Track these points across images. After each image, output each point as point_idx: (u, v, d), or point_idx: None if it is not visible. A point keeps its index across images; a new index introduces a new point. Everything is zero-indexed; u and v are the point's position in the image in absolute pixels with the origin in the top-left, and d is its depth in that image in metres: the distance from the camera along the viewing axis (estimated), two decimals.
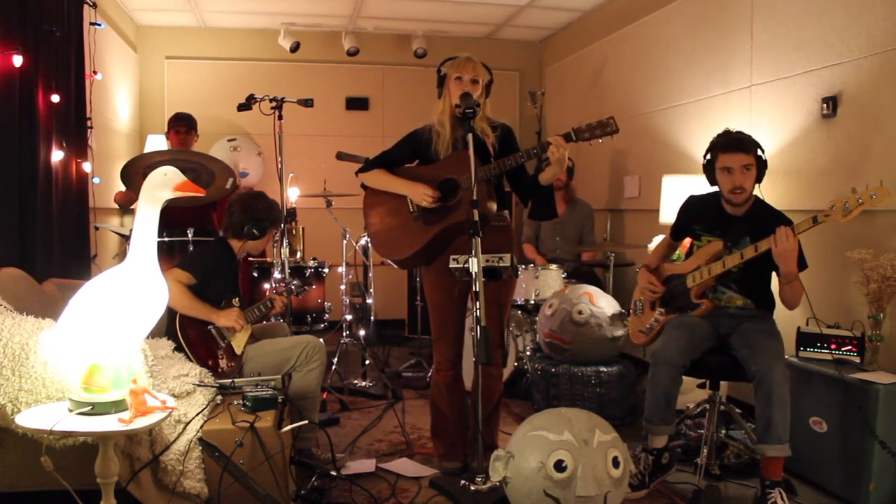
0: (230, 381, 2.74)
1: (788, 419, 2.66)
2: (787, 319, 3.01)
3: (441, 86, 3.05)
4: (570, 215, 5.11)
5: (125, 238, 4.63)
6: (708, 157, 2.99)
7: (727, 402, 3.16)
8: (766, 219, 2.81)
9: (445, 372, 3.13)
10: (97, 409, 1.81)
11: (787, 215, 2.91)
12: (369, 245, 4.77)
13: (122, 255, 4.95)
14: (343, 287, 4.84)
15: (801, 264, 2.79)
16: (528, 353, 4.31)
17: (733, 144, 2.89)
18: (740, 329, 2.90)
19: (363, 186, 3.19)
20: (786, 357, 2.81)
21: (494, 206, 3.00)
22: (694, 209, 3.13)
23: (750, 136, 2.93)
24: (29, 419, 1.80)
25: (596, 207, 5.32)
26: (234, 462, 2.34)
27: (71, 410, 1.83)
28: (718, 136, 2.98)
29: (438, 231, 2.98)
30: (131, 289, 1.90)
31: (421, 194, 2.96)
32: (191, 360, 2.84)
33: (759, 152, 2.89)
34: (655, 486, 2.96)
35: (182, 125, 4.65)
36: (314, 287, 4.45)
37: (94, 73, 4.49)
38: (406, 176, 3.07)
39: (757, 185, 2.90)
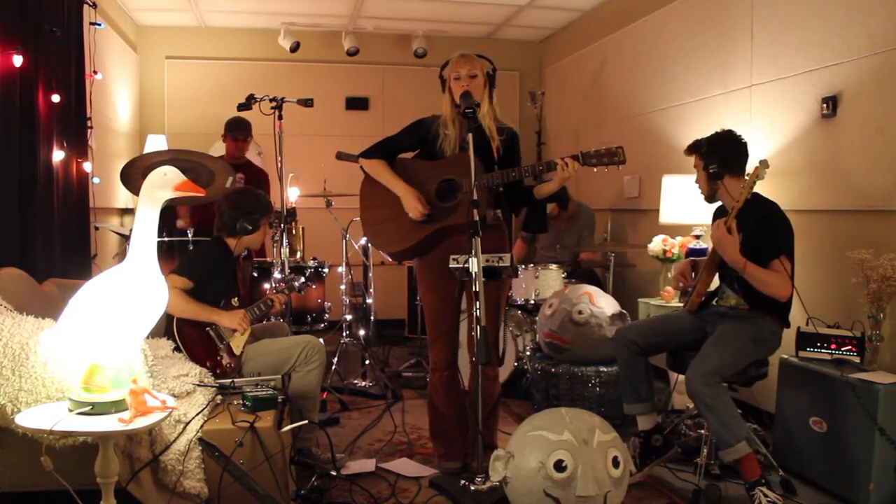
0: (230, 381, 2.74)
1: (728, 419, 2.70)
2: None
3: (444, 89, 3.05)
4: (571, 225, 5.11)
5: (125, 238, 4.64)
6: None
7: None
8: (747, 212, 2.83)
9: (442, 372, 3.13)
10: (97, 409, 1.81)
11: (771, 204, 2.93)
12: (369, 245, 4.78)
13: (122, 255, 4.95)
14: (343, 287, 4.84)
15: (771, 253, 2.81)
16: (528, 353, 4.31)
17: (688, 146, 3.12)
18: (716, 331, 2.94)
19: (363, 170, 3.17)
20: (727, 366, 2.81)
21: (492, 213, 3.00)
22: (715, 216, 3.21)
23: (702, 141, 3.04)
24: (29, 419, 1.80)
25: (596, 207, 5.32)
26: (234, 462, 2.34)
27: (71, 410, 1.83)
28: None
29: (433, 231, 2.98)
30: (131, 289, 1.90)
31: (412, 206, 2.96)
32: (189, 360, 2.84)
33: (706, 159, 2.98)
34: (650, 470, 3.03)
35: (241, 133, 4.72)
36: (314, 287, 4.45)
37: (94, 73, 4.49)
38: (407, 172, 3.06)
39: (721, 184, 2.97)
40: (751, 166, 3.06)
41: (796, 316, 3.11)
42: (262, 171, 5.01)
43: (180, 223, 4.53)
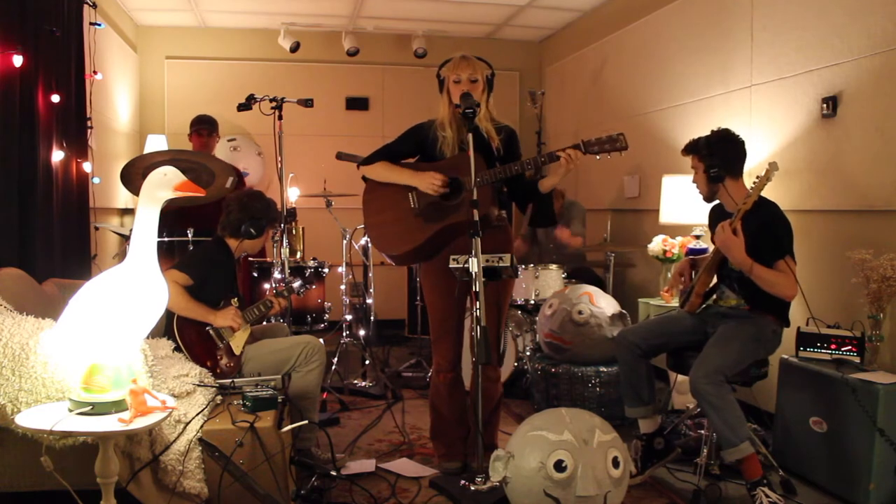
0: (230, 381, 2.74)
1: (732, 419, 2.70)
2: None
3: (442, 90, 3.04)
4: (561, 221, 5.11)
5: (125, 238, 4.63)
6: None
7: None
8: (749, 214, 2.83)
9: (446, 373, 3.13)
10: (97, 409, 1.81)
11: (772, 205, 2.93)
12: (369, 245, 4.77)
13: (122, 255, 4.95)
14: (343, 287, 4.84)
15: (775, 254, 2.81)
16: (528, 353, 4.31)
17: (685, 146, 3.09)
18: (717, 331, 2.94)
19: (364, 179, 3.16)
20: (731, 364, 2.82)
21: (496, 211, 3.00)
22: (711, 215, 3.21)
23: (698, 141, 3.02)
24: (29, 419, 1.80)
25: (596, 207, 5.32)
26: (234, 462, 2.34)
27: (71, 410, 1.83)
28: None
29: (439, 229, 2.97)
30: (131, 289, 1.90)
31: (428, 182, 2.92)
32: (189, 360, 2.84)
33: (707, 161, 2.96)
34: (651, 472, 3.04)
35: (204, 128, 4.64)
36: (314, 287, 4.45)
37: (94, 73, 4.49)
38: (412, 168, 3.06)
39: (721, 185, 2.95)
40: (749, 167, 3.07)
41: (796, 316, 3.11)
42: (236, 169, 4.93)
43: None
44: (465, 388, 3.21)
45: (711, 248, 3.09)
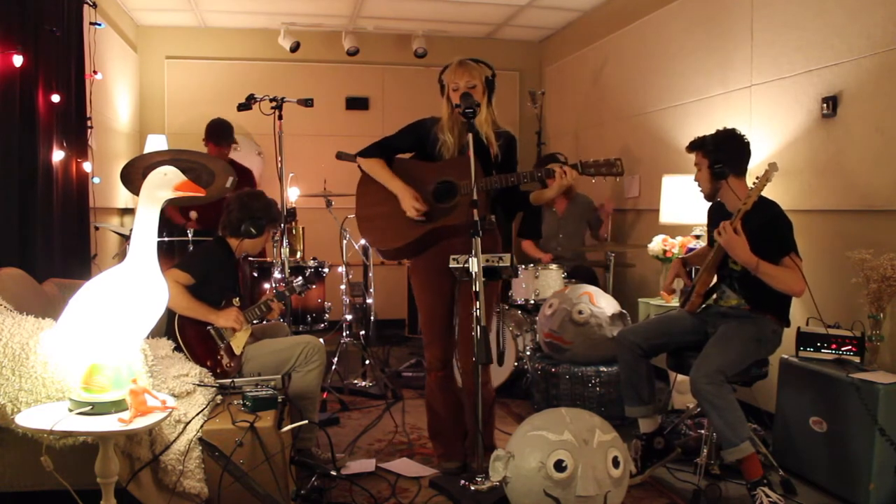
0: (230, 381, 2.74)
1: (733, 419, 2.71)
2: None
3: (444, 94, 3.04)
4: (571, 210, 5.10)
5: (125, 238, 4.63)
6: None
7: None
8: (751, 213, 2.83)
9: (437, 372, 3.14)
10: (97, 409, 1.81)
11: (774, 204, 2.94)
12: (369, 246, 4.77)
13: (122, 255, 4.95)
14: (343, 287, 4.84)
15: (780, 251, 2.81)
16: (528, 353, 4.31)
17: (690, 143, 3.10)
18: (718, 331, 2.94)
19: (361, 168, 3.16)
20: (732, 364, 2.83)
21: (487, 215, 2.99)
22: (710, 214, 3.21)
23: (704, 138, 3.04)
24: (29, 419, 1.80)
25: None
26: (234, 462, 2.34)
27: (71, 410, 1.83)
28: None
29: (429, 230, 2.98)
30: (131, 289, 1.90)
31: (409, 204, 2.94)
32: (190, 360, 2.84)
33: (712, 157, 2.97)
34: (651, 472, 3.05)
35: (212, 141, 4.61)
36: (314, 287, 4.45)
37: (94, 73, 4.48)
38: (405, 172, 3.04)
39: (725, 182, 2.96)
40: (749, 167, 3.07)
41: (796, 316, 3.11)
42: (248, 170, 4.88)
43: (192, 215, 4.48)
44: (457, 386, 3.22)
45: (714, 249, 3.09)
